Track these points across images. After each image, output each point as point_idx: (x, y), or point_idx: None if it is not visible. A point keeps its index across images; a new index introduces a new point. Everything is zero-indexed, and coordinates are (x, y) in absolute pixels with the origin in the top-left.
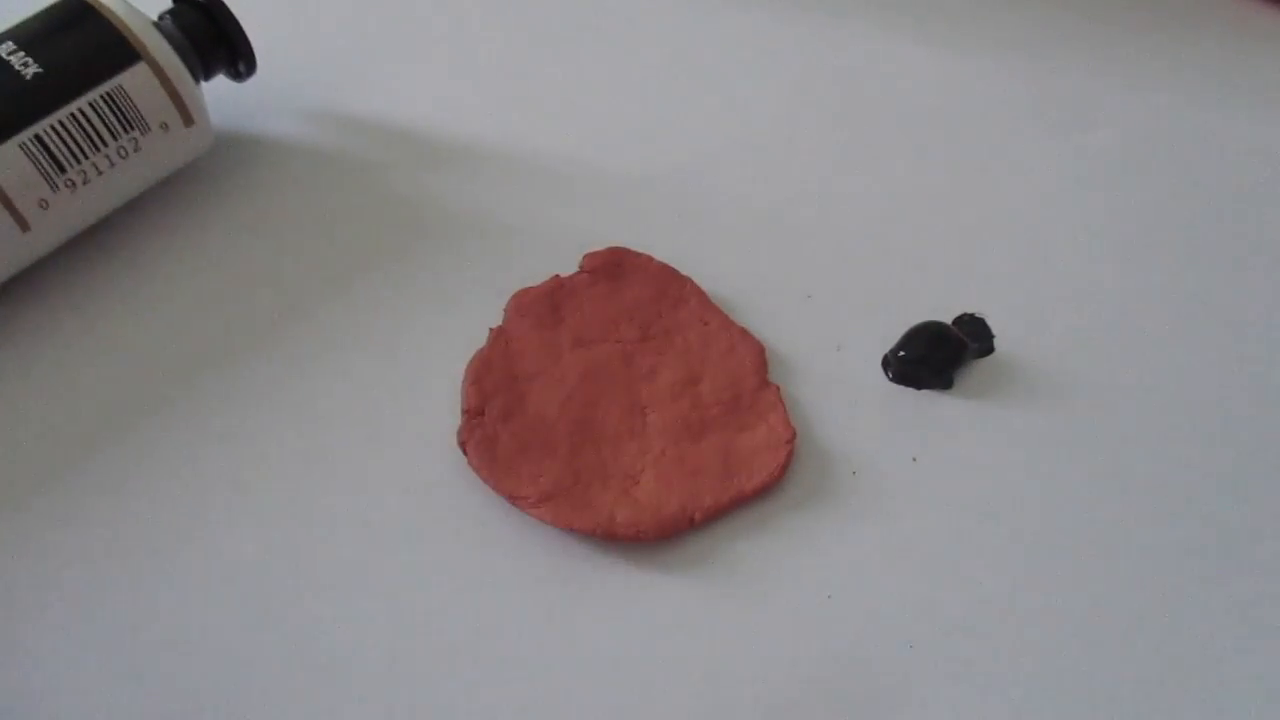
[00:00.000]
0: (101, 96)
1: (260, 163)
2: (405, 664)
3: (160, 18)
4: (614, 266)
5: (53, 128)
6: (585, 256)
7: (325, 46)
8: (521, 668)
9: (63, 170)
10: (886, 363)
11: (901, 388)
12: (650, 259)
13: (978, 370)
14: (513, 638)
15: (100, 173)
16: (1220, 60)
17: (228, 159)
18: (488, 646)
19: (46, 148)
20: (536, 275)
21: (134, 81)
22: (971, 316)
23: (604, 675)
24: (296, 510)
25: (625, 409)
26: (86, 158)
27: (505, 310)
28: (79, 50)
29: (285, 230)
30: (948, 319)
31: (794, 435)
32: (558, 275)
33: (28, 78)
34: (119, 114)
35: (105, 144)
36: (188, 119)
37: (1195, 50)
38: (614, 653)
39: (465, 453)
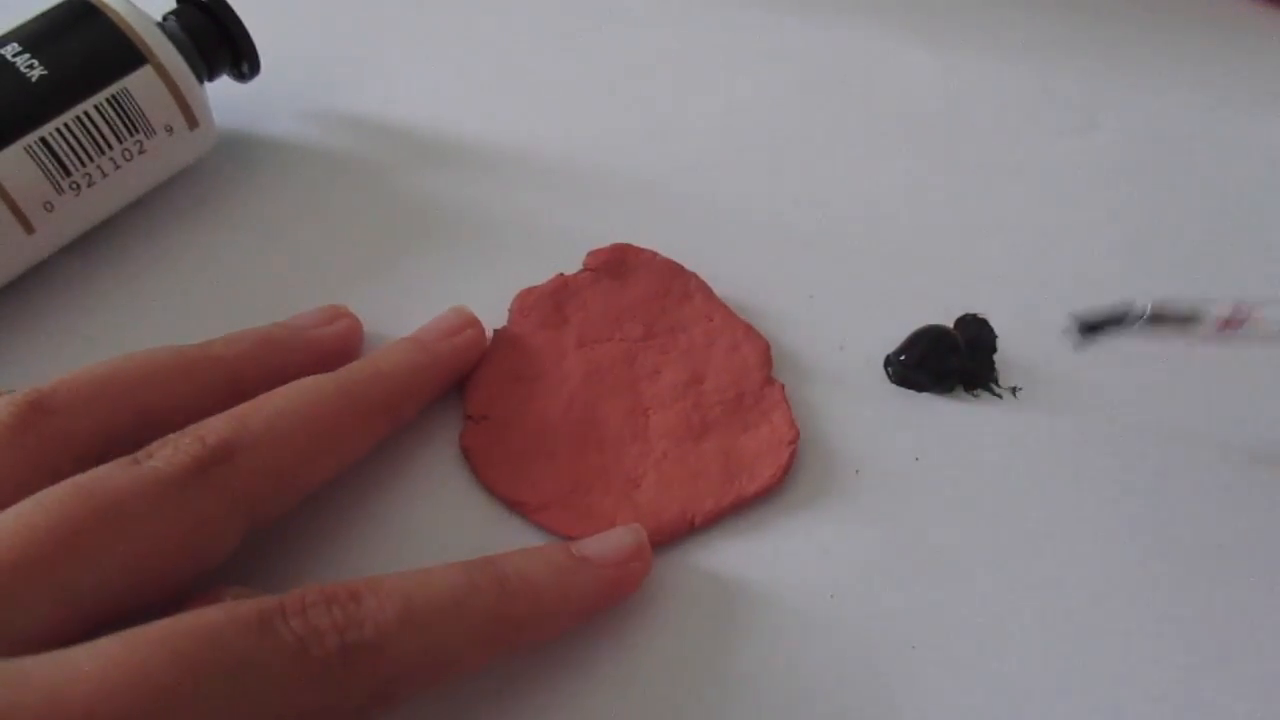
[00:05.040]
0: (107, 100)
1: (263, 163)
2: None
3: (164, 18)
4: (618, 264)
5: (58, 131)
6: (589, 254)
7: (328, 47)
8: (521, 672)
9: (68, 173)
10: (888, 363)
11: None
12: (654, 254)
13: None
14: None
15: (105, 175)
16: (1221, 60)
17: (230, 159)
18: None
19: (52, 151)
20: (541, 276)
21: (139, 84)
22: (974, 317)
23: (605, 679)
24: (296, 513)
25: (628, 410)
26: (91, 161)
27: (509, 311)
28: (84, 53)
29: (288, 230)
30: (950, 319)
31: (797, 436)
32: (561, 274)
33: (33, 80)
34: (124, 117)
35: (110, 147)
36: (192, 122)
37: (1196, 50)
38: (615, 655)
39: (467, 457)
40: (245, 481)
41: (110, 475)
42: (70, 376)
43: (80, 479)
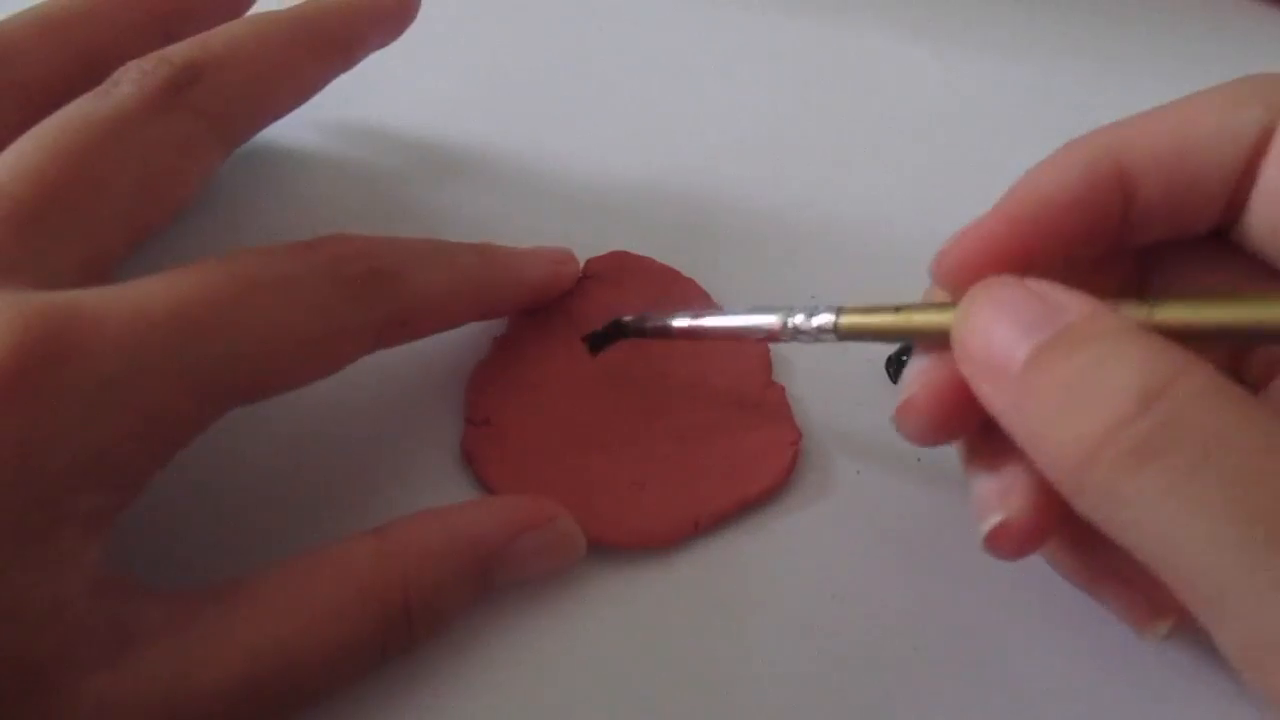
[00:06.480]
0: None
1: (272, 172)
2: (405, 669)
3: None
4: (617, 271)
5: None
6: (587, 262)
7: None
8: (523, 675)
9: None
10: (889, 364)
11: None
12: (653, 262)
13: None
14: (515, 645)
15: None
16: (1221, 60)
17: (240, 169)
18: (490, 653)
19: None
20: None
21: None
22: None
23: (607, 681)
24: (301, 521)
25: (629, 414)
26: None
27: (509, 317)
28: None
29: (295, 238)
30: None
31: (799, 437)
32: None
33: None
34: None
35: None
36: None
37: (1196, 50)
38: (617, 658)
39: (470, 462)
40: (216, 100)
41: (92, 107)
42: (3, 27)
43: (63, 115)
